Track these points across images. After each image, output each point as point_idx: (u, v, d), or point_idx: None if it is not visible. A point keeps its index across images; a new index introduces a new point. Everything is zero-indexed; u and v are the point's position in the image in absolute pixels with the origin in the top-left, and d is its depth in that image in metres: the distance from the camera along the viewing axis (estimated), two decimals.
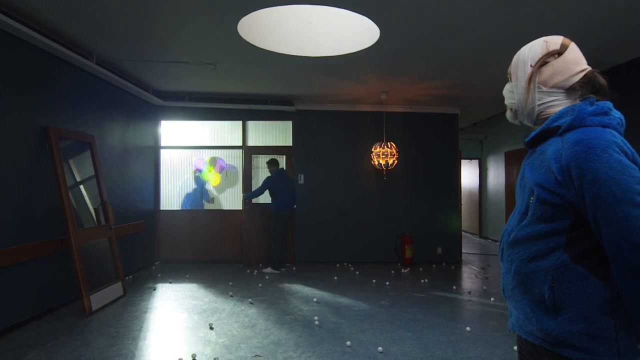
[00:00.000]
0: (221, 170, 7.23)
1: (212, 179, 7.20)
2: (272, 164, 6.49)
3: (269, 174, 6.47)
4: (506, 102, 1.31)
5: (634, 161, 1.04)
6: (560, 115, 1.14)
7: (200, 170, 7.14)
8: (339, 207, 7.03)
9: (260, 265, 6.69)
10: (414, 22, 3.68)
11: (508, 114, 1.32)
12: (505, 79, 1.33)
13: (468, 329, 3.77)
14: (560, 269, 1.08)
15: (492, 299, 4.83)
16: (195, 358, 3.12)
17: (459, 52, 4.48)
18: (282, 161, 7.04)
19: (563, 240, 1.09)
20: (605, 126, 1.08)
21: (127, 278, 5.63)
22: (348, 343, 3.42)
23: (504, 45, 4.19)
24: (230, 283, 5.47)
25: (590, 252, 1.07)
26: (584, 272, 1.06)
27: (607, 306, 1.04)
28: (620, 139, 1.06)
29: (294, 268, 6.57)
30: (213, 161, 7.18)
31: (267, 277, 5.95)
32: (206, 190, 7.20)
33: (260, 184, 6.59)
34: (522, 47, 1.26)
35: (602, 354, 1.03)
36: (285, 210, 6.36)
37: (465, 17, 3.58)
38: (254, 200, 6.86)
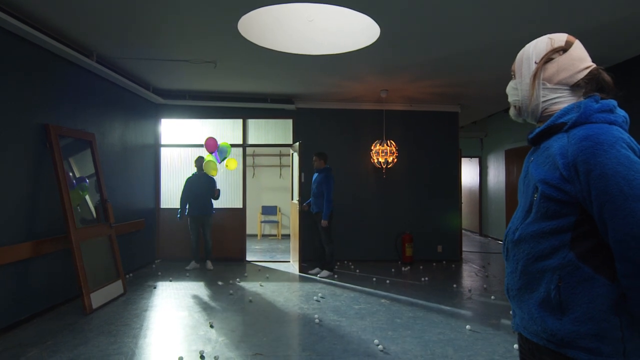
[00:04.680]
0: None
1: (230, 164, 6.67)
2: (322, 157, 5.91)
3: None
4: (510, 99, 1.30)
5: None
6: (566, 111, 1.13)
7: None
8: (339, 205, 7.00)
9: (317, 269, 6.06)
10: (414, 20, 3.67)
11: (512, 112, 1.31)
12: (507, 76, 1.32)
13: (468, 327, 3.78)
14: (567, 268, 1.07)
15: (492, 297, 4.83)
16: (204, 355, 3.13)
17: (459, 50, 4.47)
18: (287, 158, 6.98)
19: (568, 238, 1.07)
20: (611, 123, 1.07)
21: (127, 276, 5.63)
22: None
23: (504, 43, 4.18)
24: (231, 281, 5.46)
25: (596, 250, 1.06)
26: (590, 271, 1.05)
27: (614, 306, 1.03)
28: (627, 136, 1.05)
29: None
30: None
31: (318, 277, 5.74)
32: None
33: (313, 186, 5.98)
34: (523, 44, 1.25)
35: (608, 355, 1.02)
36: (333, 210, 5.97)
37: (465, 16, 3.56)
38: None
